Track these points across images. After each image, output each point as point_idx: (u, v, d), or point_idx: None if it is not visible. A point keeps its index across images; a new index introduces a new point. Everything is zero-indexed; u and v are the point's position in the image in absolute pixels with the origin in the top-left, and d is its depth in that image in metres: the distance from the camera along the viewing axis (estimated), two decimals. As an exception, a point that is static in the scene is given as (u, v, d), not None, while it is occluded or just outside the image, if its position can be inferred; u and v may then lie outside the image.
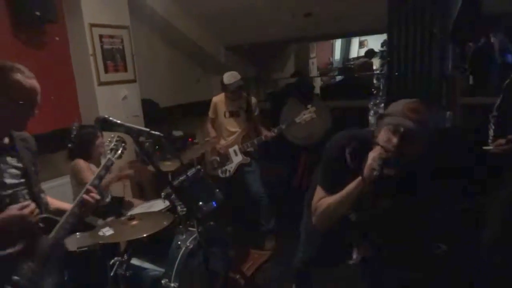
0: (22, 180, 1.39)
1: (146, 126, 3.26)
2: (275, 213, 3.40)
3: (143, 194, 3.57)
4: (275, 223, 3.36)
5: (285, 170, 4.55)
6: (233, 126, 3.40)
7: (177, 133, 4.30)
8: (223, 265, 2.33)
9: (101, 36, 3.38)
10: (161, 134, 1.13)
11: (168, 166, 2.92)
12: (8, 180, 1.33)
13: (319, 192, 1.51)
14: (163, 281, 2.00)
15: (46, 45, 3.10)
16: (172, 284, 1.99)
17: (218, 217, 2.48)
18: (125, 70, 3.64)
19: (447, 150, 2.39)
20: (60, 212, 1.55)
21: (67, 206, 1.58)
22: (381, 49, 3.42)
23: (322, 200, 1.48)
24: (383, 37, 4.09)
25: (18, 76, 1.28)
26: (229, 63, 5.40)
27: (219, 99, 3.44)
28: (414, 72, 2.55)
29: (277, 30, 4.84)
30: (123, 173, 2.86)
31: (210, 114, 3.50)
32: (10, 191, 1.33)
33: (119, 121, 1.14)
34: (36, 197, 1.42)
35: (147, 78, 4.06)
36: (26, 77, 1.30)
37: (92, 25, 3.28)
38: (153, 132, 1.13)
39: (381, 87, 3.10)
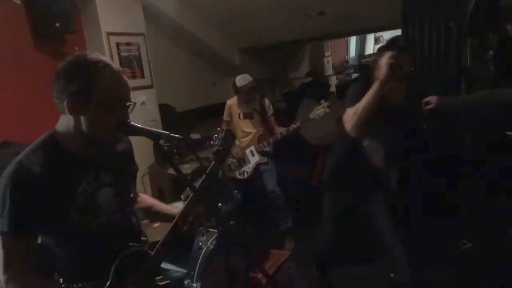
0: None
1: (164, 130, 3.31)
2: (293, 212, 3.39)
3: (163, 197, 3.63)
4: (293, 222, 3.36)
5: (303, 170, 4.53)
6: (248, 127, 3.43)
7: (195, 136, 4.35)
8: (244, 264, 2.34)
9: (118, 44, 3.46)
10: (181, 137, 1.14)
11: (187, 168, 2.96)
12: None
13: (349, 110, 1.90)
14: (185, 282, 2.03)
15: (66, 55, 3.18)
16: (195, 285, 2.02)
17: (238, 217, 2.50)
18: (142, 76, 3.71)
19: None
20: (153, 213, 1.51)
21: (169, 208, 1.55)
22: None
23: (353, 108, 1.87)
24: (399, 32, 4.03)
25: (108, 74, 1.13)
26: (244, 65, 5.43)
27: (233, 101, 3.48)
28: (431, 66, 2.51)
29: (291, 30, 4.84)
30: None
31: (225, 116, 3.53)
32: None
33: (140, 125, 1.16)
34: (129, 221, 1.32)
35: (164, 83, 4.12)
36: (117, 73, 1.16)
37: (109, 34, 3.37)
38: (172, 134, 1.14)
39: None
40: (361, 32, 8.20)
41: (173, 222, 1.32)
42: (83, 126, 1.13)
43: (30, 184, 1.07)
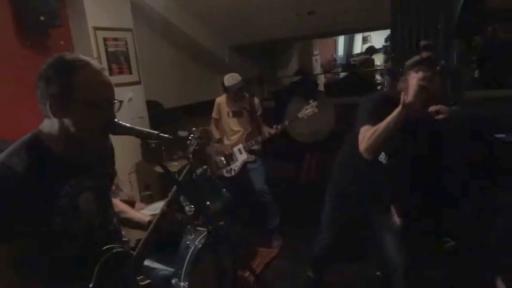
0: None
1: (151, 127, 3.29)
2: (281, 210, 3.41)
3: (150, 195, 3.59)
4: (280, 220, 3.38)
5: (291, 168, 4.55)
6: (236, 126, 3.43)
7: (182, 133, 4.30)
8: (232, 263, 2.34)
9: (105, 39, 3.39)
10: (170, 137, 1.13)
11: (175, 166, 2.94)
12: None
13: (364, 128, 1.77)
14: (173, 281, 2.03)
15: (51, 49, 3.12)
16: (182, 284, 2.01)
17: (226, 216, 2.49)
18: (130, 72, 3.66)
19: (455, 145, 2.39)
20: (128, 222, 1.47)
21: (138, 215, 1.51)
22: (385, 44, 3.41)
23: (370, 129, 1.73)
24: (386, 32, 4.06)
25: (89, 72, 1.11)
26: (233, 63, 5.41)
27: (222, 99, 3.48)
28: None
29: (281, 29, 4.84)
30: None
31: (214, 114, 3.53)
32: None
33: (128, 125, 1.14)
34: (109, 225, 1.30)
35: (152, 79, 4.07)
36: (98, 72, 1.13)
37: (96, 29, 3.30)
38: (162, 134, 1.13)
39: (386, 83, 3.09)
40: (350, 32, 8.27)
41: (154, 221, 1.32)
42: (69, 127, 1.11)
43: (12, 186, 1.04)
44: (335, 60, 9.74)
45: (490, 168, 2.57)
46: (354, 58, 8.93)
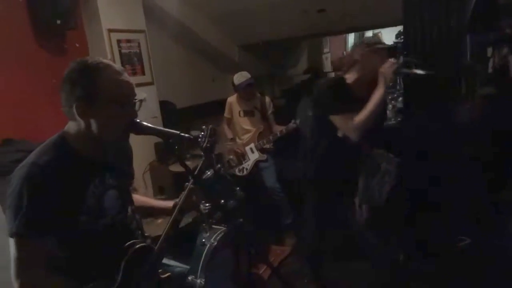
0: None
1: (164, 127, 3.33)
2: (293, 208, 3.42)
3: (164, 194, 3.64)
4: (293, 218, 3.39)
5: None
6: (248, 125, 3.45)
7: (195, 133, 4.32)
8: (247, 261, 2.37)
9: (118, 41, 3.46)
10: (191, 137, 1.16)
11: (188, 165, 2.97)
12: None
13: (343, 116, 1.94)
14: (189, 278, 2.06)
15: (67, 51, 3.19)
16: (198, 281, 2.04)
17: (240, 214, 2.52)
18: (143, 73, 3.71)
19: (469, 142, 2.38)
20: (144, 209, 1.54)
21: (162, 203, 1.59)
22: (396, 40, 3.39)
23: (356, 118, 1.90)
24: (397, 28, 4.01)
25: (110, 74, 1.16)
26: (243, 62, 5.43)
27: (233, 99, 3.50)
28: (432, 63, 2.52)
29: (291, 27, 4.84)
30: None
31: (226, 114, 3.55)
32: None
33: (150, 125, 1.18)
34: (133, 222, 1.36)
35: (164, 80, 4.12)
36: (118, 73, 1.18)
37: (110, 31, 3.36)
38: (183, 134, 1.16)
39: (398, 81, 3.08)
40: (361, 29, 8.20)
41: (172, 217, 1.36)
42: (94, 128, 1.16)
43: (45, 185, 1.08)
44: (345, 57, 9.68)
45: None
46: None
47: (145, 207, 1.56)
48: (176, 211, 1.36)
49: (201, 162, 1.49)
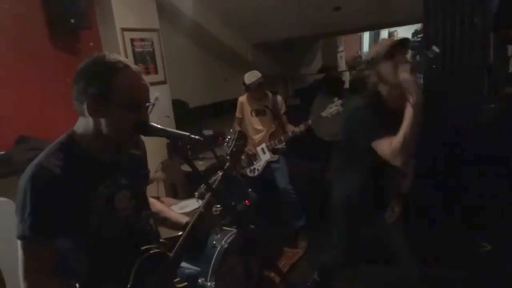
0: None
1: (176, 126, 3.29)
2: (306, 210, 3.36)
3: (176, 193, 3.63)
4: (306, 220, 3.33)
5: (316, 168, 4.49)
6: (259, 125, 3.41)
7: (208, 132, 4.34)
8: (258, 263, 2.33)
9: (132, 40, 3.46)
10: (201, 139, 1.12)
11: (201, 165, 2.96)
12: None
13: (384, 141, 1.67)
14: (200, 280, 2.03)
15: (81, 50, 3.21)
16: (209, 283, 2.02)
17: (252, 216, 2.48)
18: (156, 72, 3.71)
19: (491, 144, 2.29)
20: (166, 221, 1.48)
21: (177, 216, 1.52)
22: (413, 39, 3.29)
23: (394, 139, 1.64)
24: (413, 27, 3.91)
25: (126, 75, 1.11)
26: (257, 61, 5.39)
27: (244, 98, 3.46)
28: (453, 64, 2.43)
29: (305, 26, 4.78)
30: None
31: (237, 114, 3.52)
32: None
33: (160, 126, 1.14)
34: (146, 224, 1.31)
35: (177, 79, 4.12)
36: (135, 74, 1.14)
37: (124, 30, 3.36)
38: (193, 136, 1.12)
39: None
40: (376, 28, 8.07)
41: (191, 223, 1.31)
42: (103, 127, 1.12)
43: (51, 187, 1.06)
44: (360, 56, 9.54)
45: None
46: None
47: (160, 216, 1.49)
48: (195, 217, 1.32)
49: (220, 175, 1.42)
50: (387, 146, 1.66)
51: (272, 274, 2.70)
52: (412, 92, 1.57)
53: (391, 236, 1.98)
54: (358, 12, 4.26)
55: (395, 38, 1.80)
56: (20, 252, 1.08)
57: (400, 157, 1.63)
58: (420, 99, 1.56)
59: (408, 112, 1.58)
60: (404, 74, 1.59)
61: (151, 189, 3.20)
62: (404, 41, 1.72)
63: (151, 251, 1.22)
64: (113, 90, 1.09)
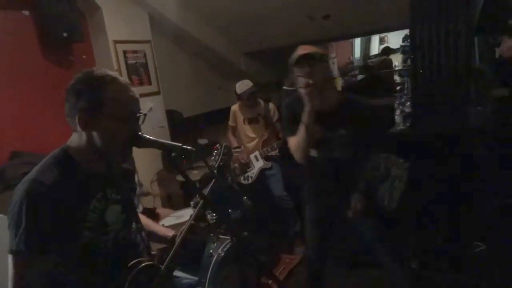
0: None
1: (171, 136, 3.30)
2: (300, 216, 3.38)
3: (172, 203, 3.63)
4: (301, 226, 3.34)
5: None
6: (252, 132, 3.44)
7: (202, 141, 4.36)
8: (255, 271, 2.33)
9: (125, 52, 3.49)
10: (194, 149, 1.14)
11: (196, 174, 2.96)
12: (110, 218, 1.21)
13: (291, 139, 1.91)
14: (197, 289, 2.03)
15: (74, 63, 3.23)
16: (206, 292, 2.02)
17: (247, 223, 2.49)
18: (149, 83, 3.74)
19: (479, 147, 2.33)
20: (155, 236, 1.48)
21: (162, 229, 1.53)
22: (403, 44, 3.36)
23: (293, 139, 1.88)
24: (403, 32, 3.98)
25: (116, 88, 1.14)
26: (250, 69, 5.43)
27: (237, 107, 3.50)
28: (440, 67, 2.48)
29: (296, 34, 4.83)
30: None
31: (230, 122, 3.55)
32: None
33: (152, 137, 1.16)
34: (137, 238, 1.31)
35: (170, 89, 4.14)
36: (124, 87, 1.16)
37: (116, 42, 3.39)
38: (185, 146, 1.14)
39: (406, 85, 3.04)
40: (367, 34, 8.16)
41: (181, 236, 1.32)
42: (96, 141, 1.14)
43: (46, 201, 1.06)
44: (352, 62, 9.62)
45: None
46: (372, 60, 8.81)
47: (146, 230, 1.47)
48: (185, 229, 1.33)
49: (211, 184, 1.45)
50: (291, 143, 1.91)
51: (270, 281, 2.70)
52: (306, 103, 1.74)
53: (364, 235, 2.04)
54: (347, 19, 4.33)
55: (300, 53, 1.86)
56: (11, 267, 1.07)
57: (296, 155, 1.89)
58: (312, 109, 1.72)
59: (304, 116, 1.75)
60: (300, 86, 1.76)
61: (147, 200, 3.21)
62: (301, 58, 1.81)
63: (143, 264, 1.22)
64: (102, 102, 1.12)
